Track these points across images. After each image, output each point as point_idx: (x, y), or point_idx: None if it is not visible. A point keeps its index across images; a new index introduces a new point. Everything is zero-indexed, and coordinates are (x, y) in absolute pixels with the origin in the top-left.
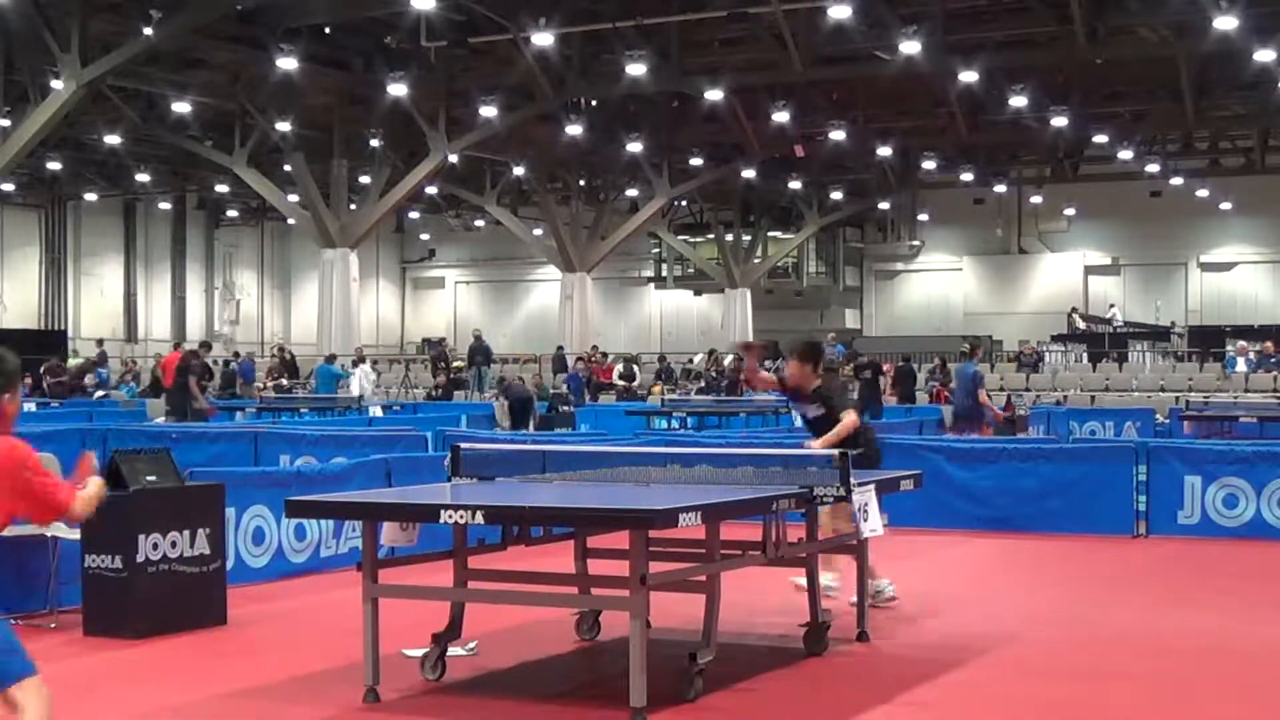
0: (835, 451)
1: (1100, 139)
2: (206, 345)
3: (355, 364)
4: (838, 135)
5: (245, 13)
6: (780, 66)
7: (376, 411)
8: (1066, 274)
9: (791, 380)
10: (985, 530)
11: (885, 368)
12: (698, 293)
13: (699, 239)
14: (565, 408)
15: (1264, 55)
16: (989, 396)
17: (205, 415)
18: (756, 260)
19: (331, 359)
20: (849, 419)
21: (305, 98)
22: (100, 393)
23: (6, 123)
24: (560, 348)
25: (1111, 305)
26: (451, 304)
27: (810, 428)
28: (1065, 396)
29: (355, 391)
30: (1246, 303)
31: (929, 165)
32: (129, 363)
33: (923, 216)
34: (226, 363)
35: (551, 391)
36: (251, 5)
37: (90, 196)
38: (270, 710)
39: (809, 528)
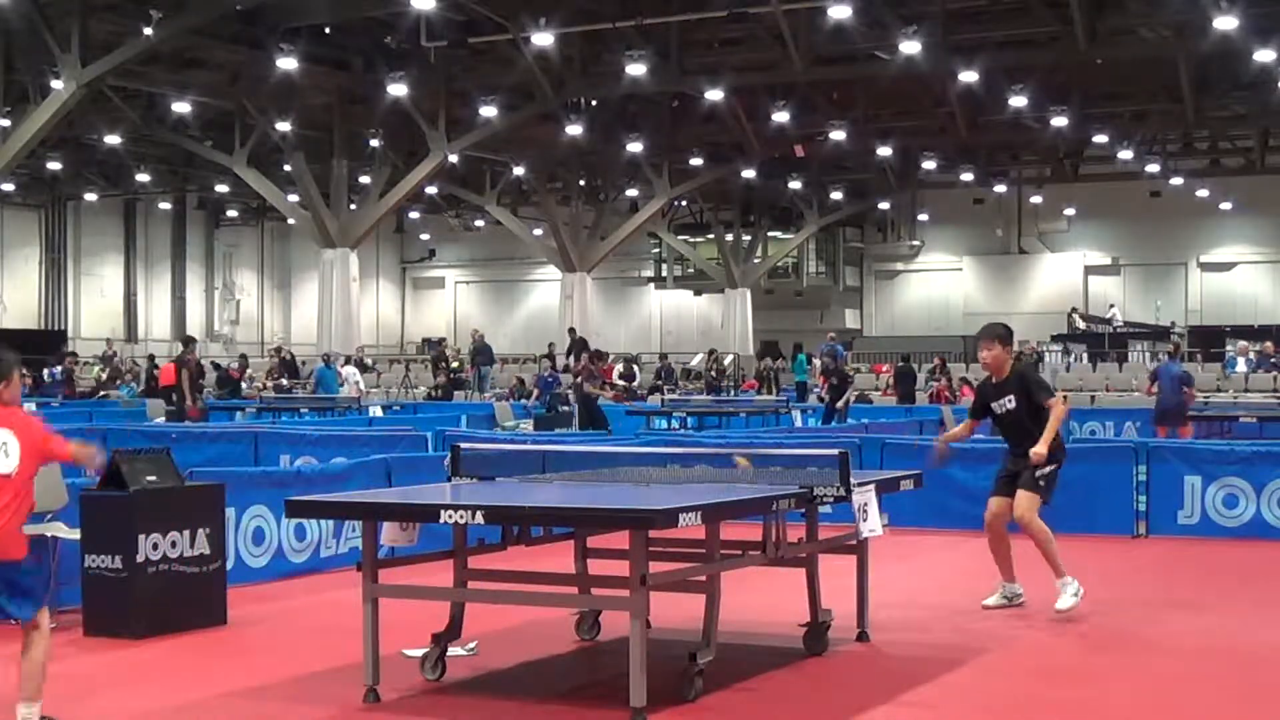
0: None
1: (1100, 139)
2: (191, 339)
3: (344, 364)
4: (838, 135)
5: (245, 13)
6: (780, 66)
7: (376, 411)
8: (1066, 274)
9: (993, 366)
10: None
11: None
12: (698, 293)
13: (699, 239)
14: (564, 408)
15: (1264, 55)
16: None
17: (184, 416)
18: (756, 260)
19: (327, 360)
20: (1061, 406)
21: (305, 98)
22: (102, 392)
23: (6, 123)
24: (551, 344)
25: (1111, 305)
26: (451, 304)
27: (1001, 425)
28: (1065, 396)
29: (346, 392)
30: (1246, 303)
31: (929, 165)
32: (129, 362)
33: (923, 216)
34: (226, 365)
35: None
36: (251, 5)
37: (90, 196)
38: (270, 710)
39: (809, 527)
